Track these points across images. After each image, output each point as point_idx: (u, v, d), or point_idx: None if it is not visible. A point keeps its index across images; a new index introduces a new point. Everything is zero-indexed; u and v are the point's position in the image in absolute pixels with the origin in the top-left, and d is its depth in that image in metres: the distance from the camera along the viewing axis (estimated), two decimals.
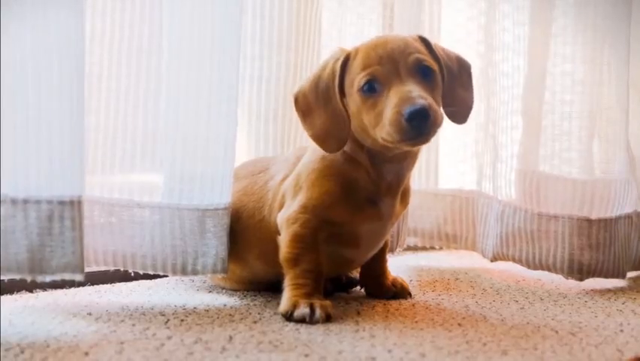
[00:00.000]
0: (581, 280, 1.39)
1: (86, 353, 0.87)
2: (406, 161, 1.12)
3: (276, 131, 1.38)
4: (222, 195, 1.15)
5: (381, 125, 1.02)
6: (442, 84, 1.09)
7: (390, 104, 1.01)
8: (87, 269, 1.23)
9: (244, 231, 1.17)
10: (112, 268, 1.17)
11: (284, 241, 1.10)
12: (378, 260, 1.23)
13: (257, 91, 1.36)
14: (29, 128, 0.97)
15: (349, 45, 1.12)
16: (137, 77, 1.16)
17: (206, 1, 1.12)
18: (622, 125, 1.44)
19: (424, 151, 1.56)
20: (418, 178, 1.56)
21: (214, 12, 1.12)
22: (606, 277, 1.39)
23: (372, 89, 1.04)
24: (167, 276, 1.27)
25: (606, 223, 1.39)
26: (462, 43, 1.59)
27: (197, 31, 1.12)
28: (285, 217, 1.11)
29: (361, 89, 1.05)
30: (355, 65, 1.07)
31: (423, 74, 1.05)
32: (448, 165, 1.65)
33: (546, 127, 1.44)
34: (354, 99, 1.06)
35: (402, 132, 1.00)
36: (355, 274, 1.29)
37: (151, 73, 1.16)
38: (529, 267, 1.42)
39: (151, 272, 1.15)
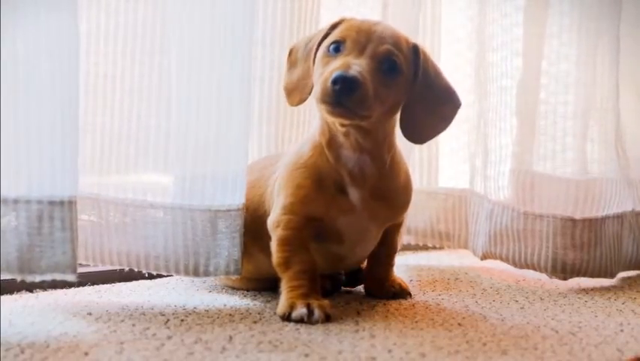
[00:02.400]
0: (565, 279, 1.39)
1: (86, 353, 0.87)
2: (363, 153, 1.10)
3: (270, 131, 1.37)
4: (234, 196, 1.15)
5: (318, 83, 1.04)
6: (408, 92, 1.08)
7: (332, 66, 1.02)
8: (89, 269, 1.24)
9: (251, 223, 1.17)
10: (126, 268, 1.17)
11: (273, 246, 1.11)
12: (383, 264, 1.23)
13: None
14: (20, 129, 0.96)
15: None
16: (149, 77, 1.16)
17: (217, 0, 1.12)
18: (612, 125, 1.45)
19: (418, 150, 1.57)
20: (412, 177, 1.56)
21: (226, 11, 1.12)
22: (592, 276, 1.40)
23: (337, 50, 1.06)
24: (171, 276, 1.27)
25: (591, 223, 1.40)
26: (463, 43, 1.59)
27: (208, 30, 1.12)
28: (271, 222, 1.12)
29: (328, 47, 1.07)
30: (338, 28, 1.09)
31: (387, 67, 1.05)
32: (445, 165, 1.65)
33: (537, 127, 1.44)
34: (319, 55, 1.08)
35: (323, 93, 1.00)
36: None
37: (163, 73, 1.16)
38: (515, 266, 1.43)
39: (164, 273, 1.16)
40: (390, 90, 1.05)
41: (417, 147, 1.57)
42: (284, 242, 1.10)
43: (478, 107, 1.51)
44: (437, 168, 1.63)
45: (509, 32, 1.45)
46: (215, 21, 1.12)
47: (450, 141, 1.63)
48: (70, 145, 1.00)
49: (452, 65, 1.61)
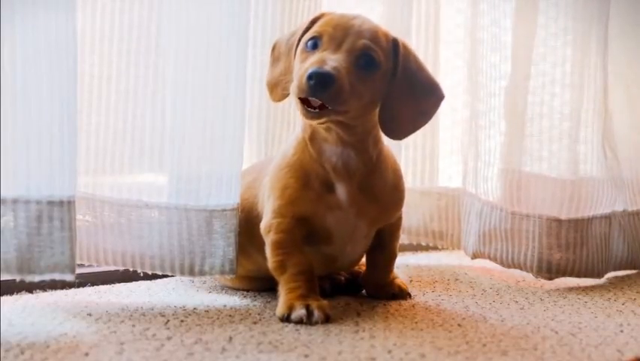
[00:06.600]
0: (550, 279, 1.40)
1: (86, 354, 0.87)
2: (346, 147, 1.10)
3: (260, 130, 1.37)
4: (230, 196, 1.15)
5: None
6: (388, 87, 1.08)
7: (308, 62, 1.02)
8: (89, 269, 1.24)
9: (246, 224, 1.18)
10: (121, 268, 1.17)
11: (267, 250, 1.11)
12: (382, 270, 1.23)
13: None
14: (18, 129, 0.97)
15: None
16: (145, 77, 1.16)
17: (213, 0, 1.12)
18: (599, 126, 1.46)
19: (411, 149, 1.57)
20: (405, 177, 1.56)
21: (221, 11, 1.12)
22: (578, 276, 1.41)
23: (314, 46, 1.06)
24: (169, 276, 1.27)
25: (577, 223, 1.40)
26: (462, 45, 1.59)
27: (203, 30, 1.13)
28: (263, 227, 1.12)
29: (305, 43, 1.07)
30: (317, 23, 1.08)
31: (364, 62, 1.05)
32: (444, 166, 1.65)
33: (526, 128, 1.45)
34: (298, 50, 1.08)
35: (299, 89, 1.00)
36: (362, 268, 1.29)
37: (158, 73, 1.16)
38: (503, 265, 1.44)
39: (159, 273, 1.16)
40: (367, 85, 1.05)
41: (411, 145, 1.58)
42: (277, 246, 1.10)
43: (472, 108, 1.51)
44: (437, 168, 1.63)
45: (502, 35, 1.45)
46: (210, 21, 1.13)
47: (451, 141, 1.64)
48: (68, 145, 1.00)
49: (452, 65, 1.61)
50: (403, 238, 1.62)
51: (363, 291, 1.26)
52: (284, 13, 1.36)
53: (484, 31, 1.47)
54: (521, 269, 1.42)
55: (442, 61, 1.61)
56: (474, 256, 1.48)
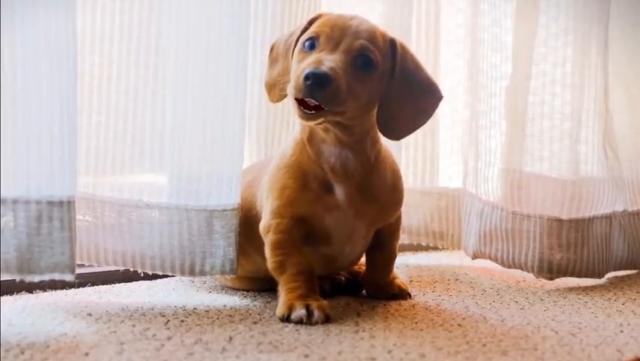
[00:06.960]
0: (551, 279, 1.40)
1: (86, 354, 0.87)
2: (344, 148, 1.09)
3: (260, 131, 1.38)
4: (230, 196, 1.15)
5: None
6: (386, 87, 1.08)
7: (305, 63, 1.02)
8: (89, 269, 1.24)
9: (245, 223, 1.18)
10: (121, 268, 1.18)
11: (267, 251, 1.11)
12: (382, 270, 1.23)
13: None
14: (18, 129, 0.97)
15: None
16: (145, 77, 1.16)
17: (213, 0, 1.12)
18: (599, 126, 1.46)
19: (411, 149, 1.57)
20: (405, 177, 1.56)
21: (221, 12, 1.13)
22: (579, 276, 1.41)
23: (312, 46, 1.05)
24: (169, 276, 1.27)
25: (578, 223, 1.41)
26: (462, 45, 1.59)
27: (204, 31, 1.13)
28: (262, 227, 1.12)
29: (303, 44, 1.06)
30: (315, 24, 1.08)
31: (361, 62, 1.04)
32: (444, 166, 1.66)
33: (527, 128, 1.45)
34: (296, 51, 1.08)
35: (296, 89, 1.00)
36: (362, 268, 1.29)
37: (158, 73, 1.16)
38: (503, 265, 1.44)
39: (160, 273, 1.16)
40: (364, 85, 1.05)
41: (411, 145, 1.58)
42: (276, 246, 1.10)
43: (472, 108, 1.51)
44: (437, 168, 1.63)
45: (503, 35, 1.45)
46: (210, 21, 1.13)
47: (451, 141, 1.64)
48: (68, 145, 1.00)
49: (452, 65, 1.61)
50: (403, 238, 1.62)
51: (363, 291, 1.26)
52: (284, 13, 1.37)
53: (484, 31, 1.47)
54: (522, 269, 1.42)
55: (443, 61, 1.61)
56: (474, 256, 1.48)
